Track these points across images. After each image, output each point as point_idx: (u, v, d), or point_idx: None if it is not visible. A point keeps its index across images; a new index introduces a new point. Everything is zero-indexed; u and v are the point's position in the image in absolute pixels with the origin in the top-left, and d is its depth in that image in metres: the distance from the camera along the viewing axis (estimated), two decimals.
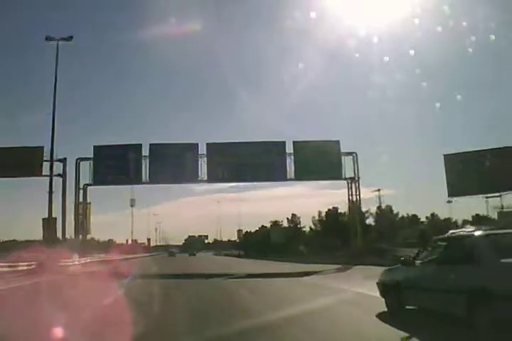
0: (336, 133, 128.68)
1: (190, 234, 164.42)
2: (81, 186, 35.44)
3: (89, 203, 36.40)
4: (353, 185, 37.10)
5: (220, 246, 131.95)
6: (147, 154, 35.38)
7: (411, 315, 8.44)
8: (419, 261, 8.34)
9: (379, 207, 65.19)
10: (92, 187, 36.00)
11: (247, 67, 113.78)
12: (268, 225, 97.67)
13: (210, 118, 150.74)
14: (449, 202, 70.43)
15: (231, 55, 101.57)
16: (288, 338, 6.95)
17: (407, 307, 8.52)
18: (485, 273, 6.52)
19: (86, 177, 35.37)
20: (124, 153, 35.35)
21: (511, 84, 73.55)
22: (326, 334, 7.21)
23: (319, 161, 35.40)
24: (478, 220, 62.30)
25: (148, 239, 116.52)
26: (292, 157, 35.71)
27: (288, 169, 35.66)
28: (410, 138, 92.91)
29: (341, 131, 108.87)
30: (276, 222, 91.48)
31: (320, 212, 74.00)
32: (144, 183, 35.47)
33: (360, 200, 38.18)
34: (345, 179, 36.91)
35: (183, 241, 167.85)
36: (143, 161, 35.43)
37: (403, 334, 6.67)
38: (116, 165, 35.25)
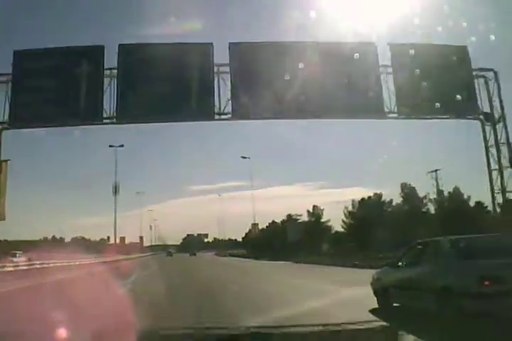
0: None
1: (189, 233, 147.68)
2: None
3: (6, 161, 18.48)
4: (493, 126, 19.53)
5: (221, 245, 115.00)
6: (115, 66, 17.85)
7: (396, 311, 8.48)
8: (403, 263, 8.70)
9: (439, 192, 47.54)
10: (11, 131, 18.25)
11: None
12: (276, 222, 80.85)
13: None
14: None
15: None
16: None
17: (394, 304, 8.63)
18: (448, 273, 7.04)
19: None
20: (71, 64, 17.64)
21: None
22: None
23: (438, 82, 17.99)
24: None
25: (141, 237, 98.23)
26: (391, 75, 18.25)
27: (385, 97, 18.16)
28: None
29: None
30: (290, 215, 73.82)
31: (353, 201, 56.47)
32: (106, 122, 17.54)
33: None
34: (481, 115, 19.33)
35: (181, 241, 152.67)
36: (105, 80, 17.78)
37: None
38: (54, 87, 17.47)
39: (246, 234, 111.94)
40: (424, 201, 46.40)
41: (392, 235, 44.61)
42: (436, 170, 49.21)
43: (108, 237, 74.19)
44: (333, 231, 66.67)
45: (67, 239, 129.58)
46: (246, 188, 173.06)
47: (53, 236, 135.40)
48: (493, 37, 19.49)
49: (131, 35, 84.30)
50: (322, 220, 67.79)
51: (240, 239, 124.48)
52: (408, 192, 46.78)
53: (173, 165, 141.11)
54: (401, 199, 47.82)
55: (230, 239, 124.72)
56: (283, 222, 77.42)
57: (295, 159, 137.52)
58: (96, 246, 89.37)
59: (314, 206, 67.97)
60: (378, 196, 51.64)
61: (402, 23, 26.68)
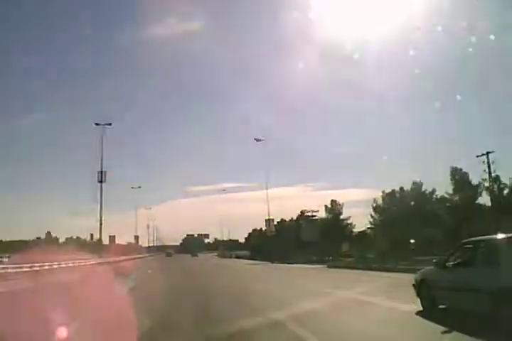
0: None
1: (189, 233, 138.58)
2: None
3: None
4: None
5: (222, 246, 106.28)
6: None
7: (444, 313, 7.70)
8: (451, 263, 8.09)
9: (494, 178, 38.34)
10: None
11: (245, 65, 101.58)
12: (286, 220, 71.58)
13: None
14: None
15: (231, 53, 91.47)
16: None
17: (440, 306, 7.93)
18: (507, 274, 6.46)
19: None
20: None
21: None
22: None
23: None
24: None
25: (136, 237, 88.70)
26: None
27: None
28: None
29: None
30: (304, 212, 64.10)
31: (384, 193, 47.30)
32: None
33: None
34: None
35: (180, 241, 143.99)
36: None
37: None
38: None
39: (249, 234, 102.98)
40: (479, 189, 37.22)
41: (443, 233, 35.57)
42: (487, 153, 40.01)
43: (91, 234, 64.62)
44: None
45: (62, 239, 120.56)
46: (245, 189, 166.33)
47: (47, 236, 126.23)
48: None
49: None
50: (342, 217, 58.86)
51: (241, 240, 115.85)
52: (459, 178, 37.47)
53: (172, 164, 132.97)
54: (447, 188, 38.50)
55: (231, 240, 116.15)
56: (292, 220, 68.44)
57: (296, 159, 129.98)
58: (89, 247, 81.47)
59: (333, 201, 58.88)
60: (417, 185, 42.47)
61: None
